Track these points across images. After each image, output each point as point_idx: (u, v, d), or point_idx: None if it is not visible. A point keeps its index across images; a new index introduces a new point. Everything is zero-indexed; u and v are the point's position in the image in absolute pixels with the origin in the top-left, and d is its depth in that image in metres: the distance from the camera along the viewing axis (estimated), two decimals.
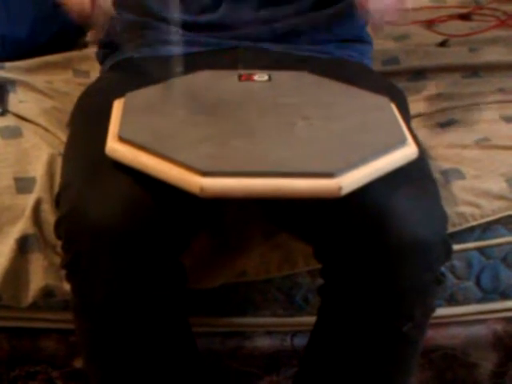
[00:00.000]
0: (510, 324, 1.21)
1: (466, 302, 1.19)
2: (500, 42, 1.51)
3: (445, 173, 1.17)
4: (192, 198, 0.85)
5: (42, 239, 1.11)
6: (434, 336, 1.19)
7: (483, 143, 1.21)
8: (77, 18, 0.99)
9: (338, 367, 1.00)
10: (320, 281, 1.00)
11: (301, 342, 1.17)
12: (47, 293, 1.12)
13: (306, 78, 1.05)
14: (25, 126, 1.20)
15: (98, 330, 0.95)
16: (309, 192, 0.85)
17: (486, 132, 1.23)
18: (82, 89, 1.16)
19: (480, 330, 1.21)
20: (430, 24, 1.59)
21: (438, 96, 1.35)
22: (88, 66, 1.39)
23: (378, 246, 0.91)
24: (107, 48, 1.22)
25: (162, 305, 0.95)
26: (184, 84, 1.03)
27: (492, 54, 1.46)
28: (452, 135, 1.24)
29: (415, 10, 1.63)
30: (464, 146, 1.21)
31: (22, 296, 1.12)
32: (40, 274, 1.11)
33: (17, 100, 1.25)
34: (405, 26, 1.56)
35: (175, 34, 1.15)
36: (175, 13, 1.10)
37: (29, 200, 1.11)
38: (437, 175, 1.12)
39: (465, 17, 1.62)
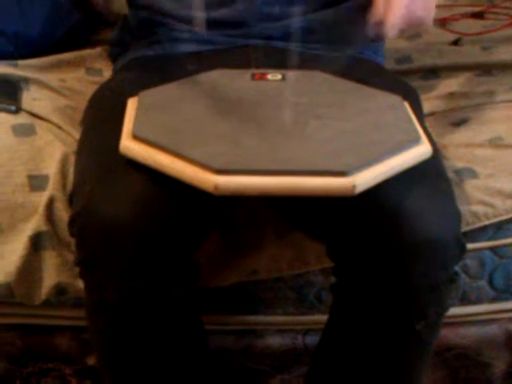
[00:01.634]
0: None
1: (479, 301, 1.19)
2: None
3: (458, 172, 1.17)
4: (205, 196, 0.85)
5: (55, 237, 1.11)
6: (447, 335, 1.19)
7: (496, 142, 1.21)
8: None
9: (350, 365, 1.00)
10: (332, 279, 1.00)
11: (312, 340, 1.17)
12: (60, 290, 1.12)
13: (319, 78, 1.05)
14: (38, 123, 1.20)
15: (110, 327, 0.96)
16: (322, 190, 0.85)
17: (499, 131, 1.23)
18: (95, 87, 1.17)
19: (493, 330, 1.20)
20: (443, 22, 1.59)
21: (451, 95, 1.34)
22: (101, 64, 1.39)
23: (391, 244, 0.91)
24: (119, 46, 1.22)
25: (174, 303, 0.95)
26: (197, 83, 1.03)
27: (505, 53, 1.46)
28: (465, 134, 1.23)
29: None
30: (477, 145, 1.21)
31: (35, 293, 1.12)
32: (53, 272, 1.12)
33: (30, 98, 1.25)
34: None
35: (188, 32, 1.15)
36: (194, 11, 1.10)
37: (42, 197, 1.12)
38: (450, 174, 1.12)
39: (478, 15, 1.62)
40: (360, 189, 0.85)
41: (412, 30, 1.01)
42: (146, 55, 1.16)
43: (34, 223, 1.11)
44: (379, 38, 0.97)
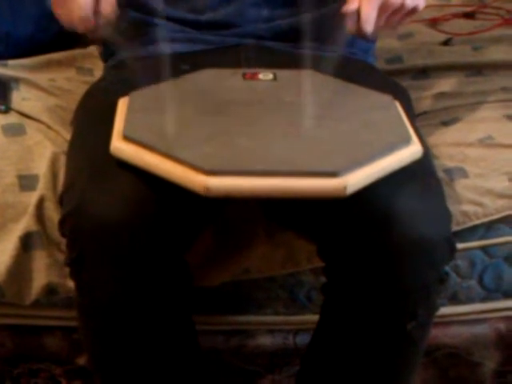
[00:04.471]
0: None
1: (469, 300, 1.19)
2: (504, 41, 1.51)
3: (448, 171, 1.17)
4: (196, 196, 0.85)
5: (46, 236, 1.11)
6: (437, 335, 1.19)
7: (487, 142, 1.21)
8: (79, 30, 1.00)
9: (341, 365, 1.00)
10: (323, 279, 1.00)
11: (303, 340, 1.17)
12: (50, 290, 1.12)
13: (311, 77, 1.05)
14: (28, 123, 1.20)
15: (101, 327, 0.96)
16: (314, 191, 0.85)
17: (489, 131, 1.23)
18: (86, 87, 1.16)
19: (483, 329, 1.21)
20: (433, 22, 1.59)
21: (442, 95, 1.34)
22: (91, 63, 1.39)
23: (381, 244, 0.91)
24: (111, 46, 1.21)
25: (166, 303, 0.95)
26: (188, 83, 1.03)
27: (496, 53, 1.46)
28: (456, 134, 1.23)
29: None
30: (468, 145, 1.21)
31: (25, 293, 1.12)
32: (43, 272, 1.11)
33: (20, 97, 1.25)
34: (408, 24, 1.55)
35: (179, 31, 1.15)
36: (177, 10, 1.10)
37: (32, 197, 1.12)
38: (440, 174, 1.12)
39: (469, 15, 1.62)
40: (351, 190, 0.85)
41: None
42: (137, 55, 1.16)
43: (24, 223, 1.11)
44: (359, 34, 0.97)
